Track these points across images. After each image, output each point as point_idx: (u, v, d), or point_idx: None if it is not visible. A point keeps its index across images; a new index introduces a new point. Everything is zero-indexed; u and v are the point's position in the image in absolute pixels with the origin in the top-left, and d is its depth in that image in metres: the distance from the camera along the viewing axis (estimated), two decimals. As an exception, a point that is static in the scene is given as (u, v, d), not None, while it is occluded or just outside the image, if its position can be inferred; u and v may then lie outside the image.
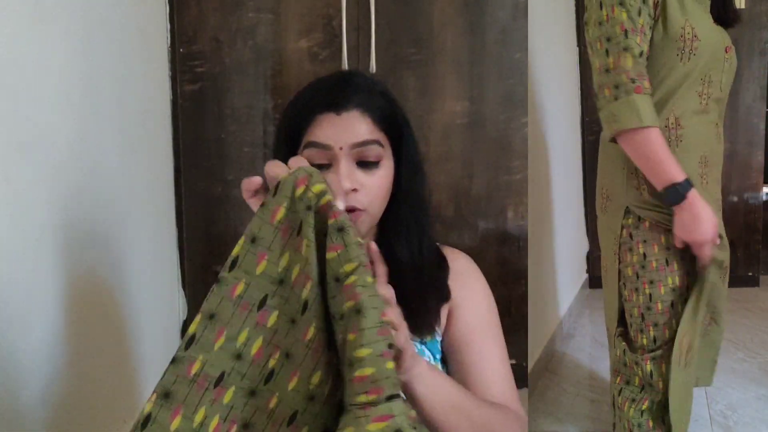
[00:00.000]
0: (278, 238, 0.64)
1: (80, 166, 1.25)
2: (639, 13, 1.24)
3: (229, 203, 1.74)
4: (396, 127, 0.91)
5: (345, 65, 1.69)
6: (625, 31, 1.23)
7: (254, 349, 0.63)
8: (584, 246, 3.42)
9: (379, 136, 0.88)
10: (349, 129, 0.86)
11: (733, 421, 2.02)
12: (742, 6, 3.23)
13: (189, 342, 0.61)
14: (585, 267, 3.44)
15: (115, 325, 1.40)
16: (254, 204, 0.70)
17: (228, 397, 0.62)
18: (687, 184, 1.24)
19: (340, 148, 0.85)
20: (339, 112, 0.86)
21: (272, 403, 0.64)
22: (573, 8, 3.17)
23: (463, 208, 1.76)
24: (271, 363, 0.64)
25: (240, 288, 0.63)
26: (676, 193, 1.25)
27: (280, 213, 0.64)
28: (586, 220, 3.37)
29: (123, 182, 1.43)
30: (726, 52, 1.36)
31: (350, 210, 0.85)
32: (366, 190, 0.86)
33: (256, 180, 0.69)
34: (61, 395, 1.16)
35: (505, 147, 1.77)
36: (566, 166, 2.94)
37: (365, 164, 0.86)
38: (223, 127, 1.76)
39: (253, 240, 0.64)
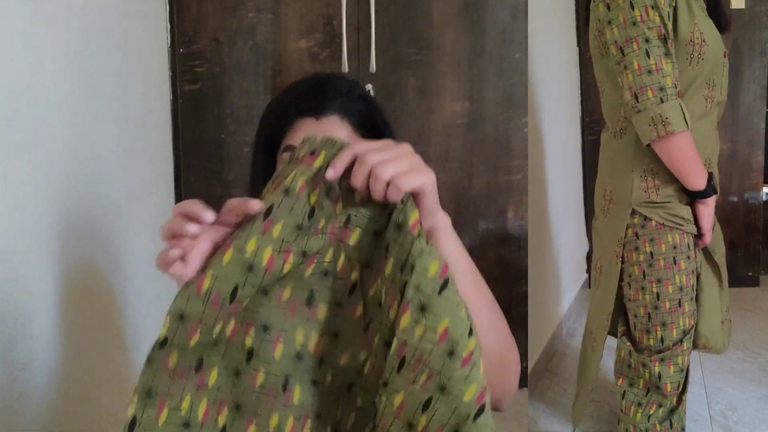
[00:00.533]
0: (209, 309, 0.61)
1: (80, 166, 1.25)
2: (669, 17, 1.27)
3: (229, 203, 1.74)
4: (376, 131, 0.90)
5: (345, 65, 1.69)
6: (664, 37, 1.25)
7: (200, 413, 0.61)
8: (584, 246, 3.42)
9: (358, 140, 0.87)
10: (328, 134, 0.83)
11: (733, 421, 2.02)
12: (742, 6, 3.23)
13: (131, 427, 0.58)
14: (585, 267, 3.44)
15: (115, 327, 1.40)
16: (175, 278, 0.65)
17: None
18: (713, 178, 1.36)
19: None
20: (318, 117, 0.85)
21: None
22: (573, 8, 3.17)
23: (463, 208, 1.76)
24: (221, 421, 0.62)
25: (173, 359, 0.60)
26: (714, 187, 1.35)
27: (207, 283, 0.61)
28: (586, 220, 3.37)
29: (123, 182, 1.43)
30: (724, 56, 1.39)
31: None
32: None
33: (175, 255, 0.62)
34: (59, 397, 1.16)
35: (505, 147, 1.77)
36: (566, 166, 2.94)
37: None
38: (223, 127, 1.76)
39: (181, 317, 0.61)
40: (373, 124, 0.90)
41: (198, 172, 1.75)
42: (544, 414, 2.10)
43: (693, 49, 1.31)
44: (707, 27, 1.34)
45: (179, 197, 1.75)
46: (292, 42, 1.74)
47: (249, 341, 0.62)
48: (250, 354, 0.62)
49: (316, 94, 0.88)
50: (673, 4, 1.29)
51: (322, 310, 0.64)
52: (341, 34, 1.70)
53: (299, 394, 0.65)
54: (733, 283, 3.57)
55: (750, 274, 3.42)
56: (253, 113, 1.76)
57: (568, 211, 2.94)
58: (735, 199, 3.37)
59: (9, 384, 1.03)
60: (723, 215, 2.89)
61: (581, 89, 3.32)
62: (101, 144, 1.34)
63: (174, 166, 1.74)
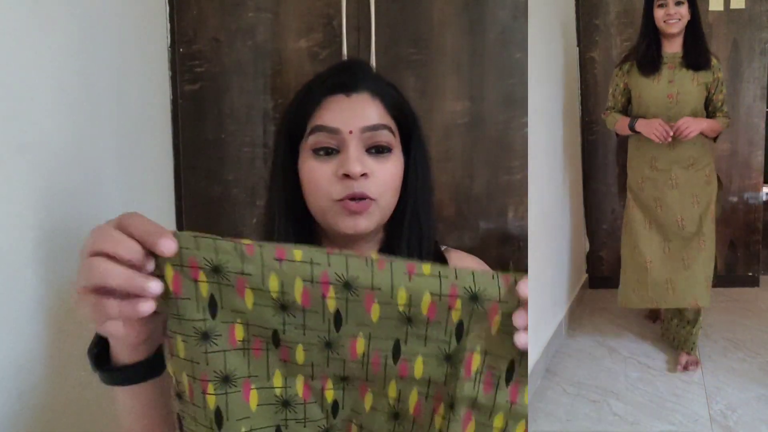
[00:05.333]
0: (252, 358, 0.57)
1: (79, 167, 1.25)
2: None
3: (229, 203, 1.74)
4: (405, 119, 0.87)
5: (345, 65, 1.69)
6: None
7: (299, 390, 0.57)
8: (584, 246, 3.42)
9: (390, 122, 0.83)
10: (359, 111, 0.81)
11: (733, 421, 2.02)
12: (742, 6, 3.23)
13: (218, 419, 0.54)
14: (585, 267, 3.44)
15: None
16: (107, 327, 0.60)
17: None
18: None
19: (350, 132, 0.79)
20: (349, 93, 0.82)
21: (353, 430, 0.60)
22: (573, 8, 3.16)
23: (464, 208, 1.76)
24: (329, 396, 0.59)
25: (239, 331, 0.55)
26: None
27: (239, 333, 0.56)
28: (586, 220, 3.36)
29: (122, 183, 1.43)
30: None
31: (360, 197, 0.79)
32: (376, 179, 0.81)
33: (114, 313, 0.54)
34: (56, 401, 1.16)
35: (505, 147, 1.77)
36: (566, 166, 2.94)
37: (376, 151, 0.81)
38: (222, 128, 1.76)
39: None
40: (402, 110, 0.87)
41: (198, 172, 1.75)
42: (544, 414, 2.10)
43: None
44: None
45: (179, 197, 1.75)
46: (292, 42, 1.74)
47: (331, 304, 0.55)
48: (337, 318, 0.55)
49: (346, 72, 0.84)
50: None
51: (418, 367, 0.58)
52: (341, 34, 1.70)
53: (421, 367, 0.58)
54: (733, 283, 3.56)
55: (750, 274, 3.41)
56: (253, 113, 1.76)
57: (568, 211, 2.93)
58: (735, 199, 3.37)
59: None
60: (723, 215, 2.89)
61: (581, 89, 3.31)
62: (100, 144, 1.34)
63: (174, 166, 1.74)
